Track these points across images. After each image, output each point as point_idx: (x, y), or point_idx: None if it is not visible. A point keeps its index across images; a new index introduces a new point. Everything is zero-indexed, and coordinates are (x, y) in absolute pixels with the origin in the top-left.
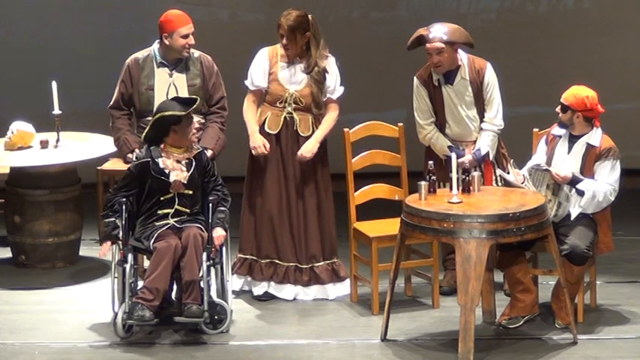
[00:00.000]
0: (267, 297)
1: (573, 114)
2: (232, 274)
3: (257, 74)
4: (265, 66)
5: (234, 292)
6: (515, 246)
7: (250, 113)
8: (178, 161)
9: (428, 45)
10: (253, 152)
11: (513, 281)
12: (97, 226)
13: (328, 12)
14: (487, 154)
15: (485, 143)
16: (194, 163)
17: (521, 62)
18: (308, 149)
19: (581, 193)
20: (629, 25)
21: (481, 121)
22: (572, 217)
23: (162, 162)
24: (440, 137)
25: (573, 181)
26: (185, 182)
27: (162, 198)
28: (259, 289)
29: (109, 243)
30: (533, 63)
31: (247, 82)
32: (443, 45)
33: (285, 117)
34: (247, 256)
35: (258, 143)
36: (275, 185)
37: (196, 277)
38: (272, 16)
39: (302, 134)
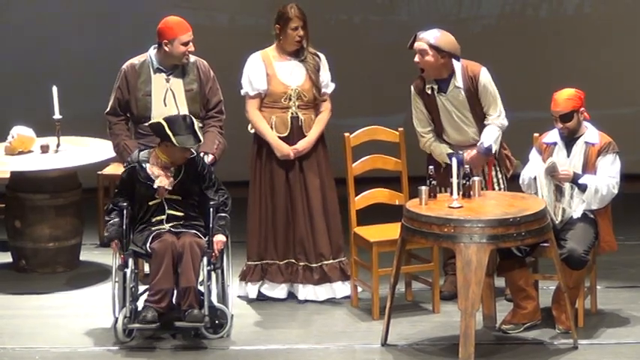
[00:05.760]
0: (263, 298)
1: (578, 114)
2: (246, 282)
3: (256, 78)
4: (262, 68)
5: (250, 299)
6: (515, 253)
7: (262, 121)
8: (166, 167)
9: (415, 43)
10: (281, 158)
11: (515, 288)
12: (98, 230)
13: (329, 16)
14: (491, 147)
15: (489, 136)
16: (183, 169)
17: (522, 67)
18: (300, 149)
19: (583, 188)
20: (629, 30)
21: (480, 124)
22: (578, 215)
23: (149, 168)
24: (439, 145)
25: (574, 178)
26: (169, 188)
27: (150, 203)
28: (280, 291)
29: (115, 242)
30: (534, 68)
31: (246, 89)
32: (427, 47)
33: (290, 116)
34: (257, 262)
35: (288, 151)
36: (282, 187)
37: (193, 284)
38: (271, 20)
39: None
